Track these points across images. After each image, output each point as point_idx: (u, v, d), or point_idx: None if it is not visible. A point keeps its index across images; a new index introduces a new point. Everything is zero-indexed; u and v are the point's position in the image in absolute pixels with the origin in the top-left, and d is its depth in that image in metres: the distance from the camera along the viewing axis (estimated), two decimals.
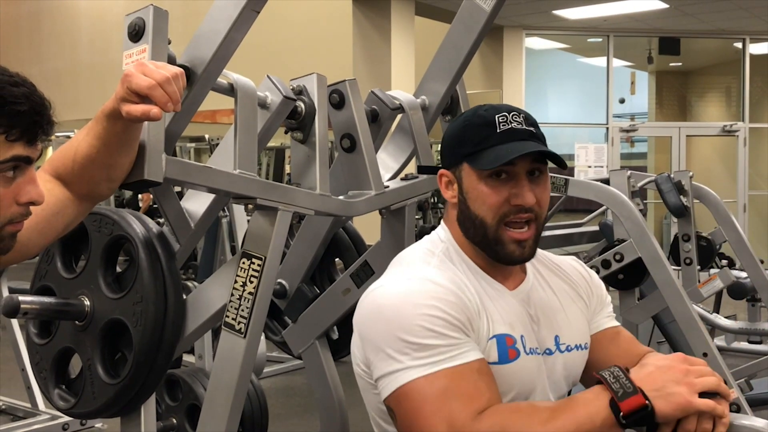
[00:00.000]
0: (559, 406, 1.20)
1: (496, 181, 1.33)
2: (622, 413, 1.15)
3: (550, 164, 1.38)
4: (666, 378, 1.19)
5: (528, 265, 1.45)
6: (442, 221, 1.47)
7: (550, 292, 1.45)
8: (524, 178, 1.33)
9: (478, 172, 1.34)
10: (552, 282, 1.48)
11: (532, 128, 1.35)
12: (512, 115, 1.35)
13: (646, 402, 1.16)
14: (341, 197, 1.89)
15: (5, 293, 4.15)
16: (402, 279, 1.33)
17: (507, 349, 1.32)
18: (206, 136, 9.27)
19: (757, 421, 1.33)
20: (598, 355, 1.47)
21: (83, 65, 11.93)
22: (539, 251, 1.46)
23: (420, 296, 1.27)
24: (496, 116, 1.35)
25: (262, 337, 3.79)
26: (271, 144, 9.84)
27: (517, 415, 1.19)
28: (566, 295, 1.47)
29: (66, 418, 3.97)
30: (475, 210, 1.35)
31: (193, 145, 10.00)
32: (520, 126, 1.34)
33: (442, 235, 1.44)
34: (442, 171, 1.42)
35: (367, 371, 1.32)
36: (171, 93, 1.24)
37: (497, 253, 1.36)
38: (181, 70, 1.28)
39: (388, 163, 2.16)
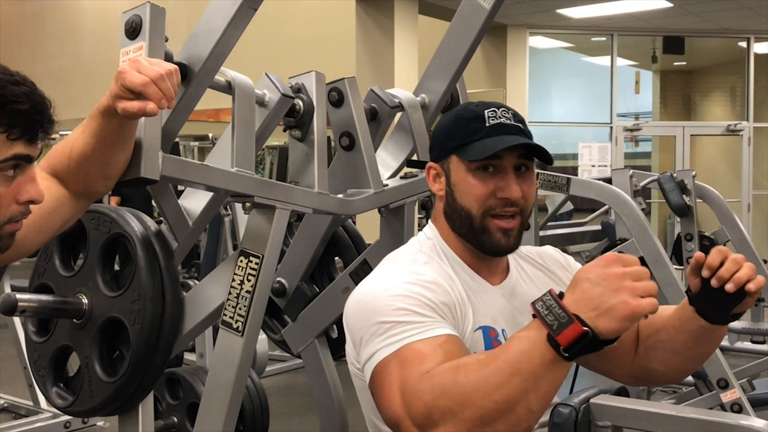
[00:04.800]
0: (497, 350, 1.13)
1: (483, 173, 1.36)
2: (562, 348, 1.04)
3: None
4: (602, 290, 1.05)
5: (511, 261, 1.47)
6: (429, 220, 1.49)
7: (532, 285, 1.47)
8: (511, 172, 1.36)
9: (467, 165, 1.37)
10: (533, 274, 1.50)
11: (520, 124, 1.38)
12: (501, 111, 1.39)
13: (585, 329, 1.03)
14: (340, 195, 1.89)
15: (8, 291, 4.15)
16: (387, 275, 1.34)
17: (491, 340, 1.34)
18: (210, 135, 9.26)
19: (757, 422, 1.32)
20: None
21: (86, 65, 11.93)
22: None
23: (399, 283, 1.28)
24: (486, 111, 1.38)
25: (265, 336, 3.79)
26: (275, 143, 9.83)
27: (458, 368, 1.12)
28: (547, 286, 1.47)
29: (68, 417, 3.97)
30: (461, 201, 1.38)
31: (196, 143, 9.99)
32: (508, 121, 1.38)
33: (428, 232, 1.46)
34: (430, 164, 1.44)
35: (360, 368, 1.32)
36: (165, 90, 1.24)
37: (483, 242, 1.37)
38: (176, 66, 1.28)
39: (387, 161, 2.15)
